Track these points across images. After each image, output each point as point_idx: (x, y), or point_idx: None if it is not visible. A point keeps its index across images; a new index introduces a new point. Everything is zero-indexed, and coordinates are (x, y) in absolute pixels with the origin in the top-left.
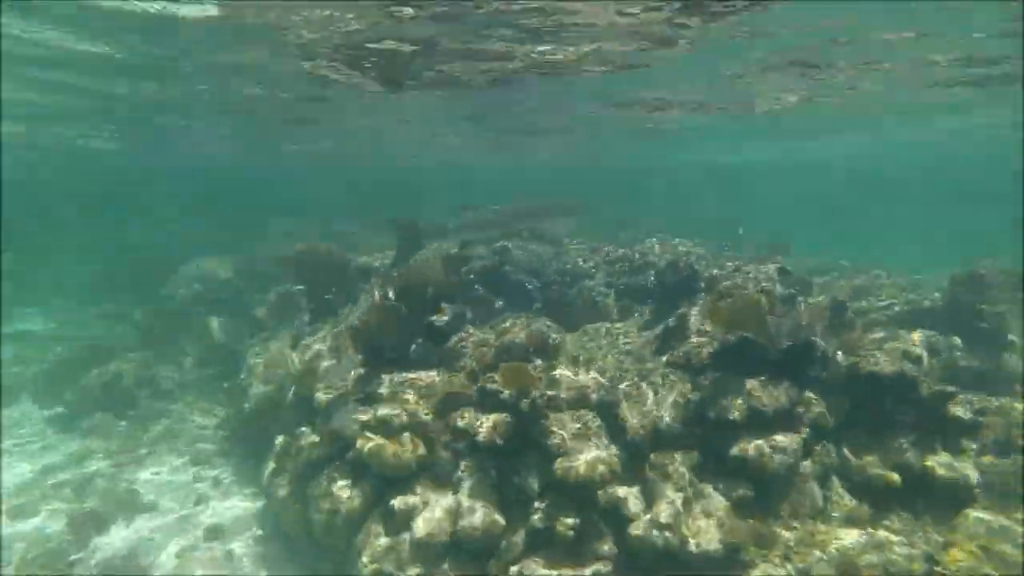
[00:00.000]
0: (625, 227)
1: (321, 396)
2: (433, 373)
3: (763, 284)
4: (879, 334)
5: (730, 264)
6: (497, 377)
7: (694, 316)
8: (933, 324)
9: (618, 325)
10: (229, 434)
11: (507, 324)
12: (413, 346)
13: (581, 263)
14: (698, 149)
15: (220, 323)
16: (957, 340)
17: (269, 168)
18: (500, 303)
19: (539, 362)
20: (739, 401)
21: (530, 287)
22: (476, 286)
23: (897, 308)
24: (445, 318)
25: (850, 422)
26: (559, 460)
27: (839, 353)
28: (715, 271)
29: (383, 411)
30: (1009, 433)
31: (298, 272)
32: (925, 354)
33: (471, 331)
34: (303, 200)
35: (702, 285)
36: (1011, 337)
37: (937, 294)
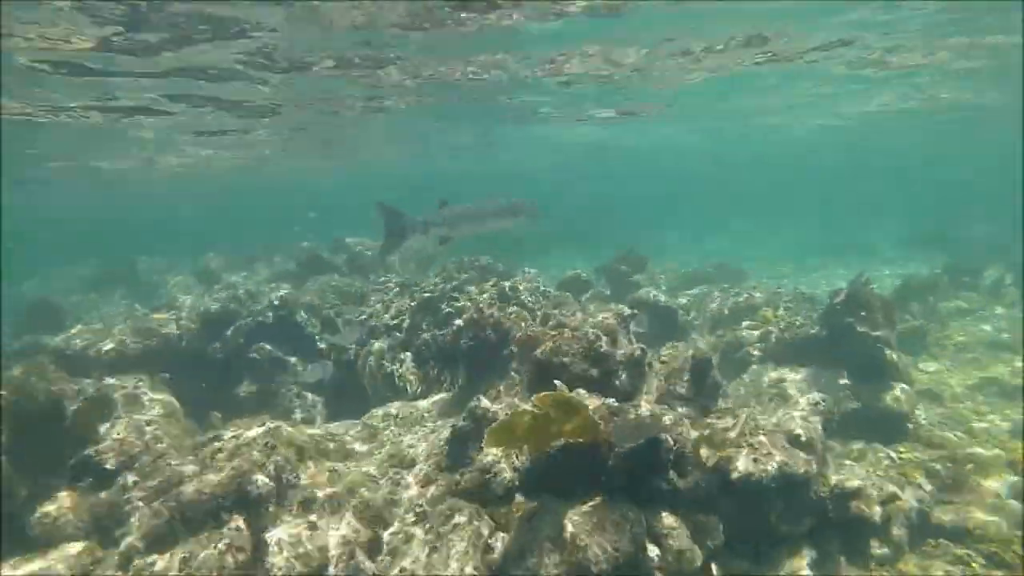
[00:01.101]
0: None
1: None
2: (79, 548)
3: (595, 345)
4: (758, 368)
5: (554, 311)
6: None
7: (496, 408)
8: (818, 354)
9: (410, 410)
10: None
11: (219, 443)
12: (40, 510)
13: (381, 311)
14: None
15: None
16: (844, 378)
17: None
18: (301, 365)
19: (238, 525)
20: (557, 557)
21: (323, 346)
22: (266, 345)
23: (775, 337)
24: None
25: (726, 546)
26: None
27: (703, 448)
28: (533, 328)
29: None
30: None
31: None
32: (816, 431)
33: (168, 459)
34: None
35: (514, 350)
36: (894, 356)
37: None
